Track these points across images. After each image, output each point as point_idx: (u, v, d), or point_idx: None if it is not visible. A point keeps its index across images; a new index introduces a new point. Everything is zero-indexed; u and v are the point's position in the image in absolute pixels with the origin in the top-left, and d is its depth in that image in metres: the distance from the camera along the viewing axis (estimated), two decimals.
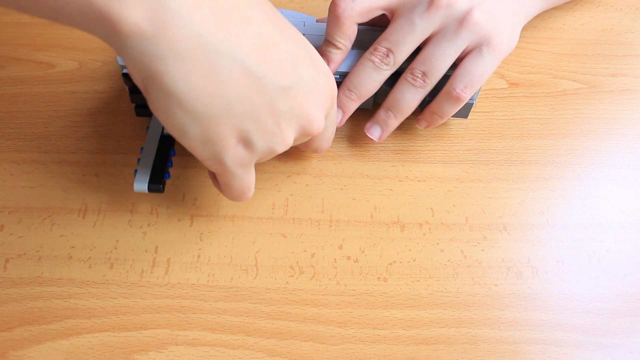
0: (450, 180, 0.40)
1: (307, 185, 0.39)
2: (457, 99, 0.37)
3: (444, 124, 0.43)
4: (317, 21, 0.41)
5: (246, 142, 0.28)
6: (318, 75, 0.30)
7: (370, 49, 0.37)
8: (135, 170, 0.36)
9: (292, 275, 0.36)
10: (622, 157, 0.42)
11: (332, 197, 0.39)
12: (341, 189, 0.39)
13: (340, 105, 0.38)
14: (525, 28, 0.49)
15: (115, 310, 0.34)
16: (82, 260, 0.36)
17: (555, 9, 0.50)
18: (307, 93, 0.29)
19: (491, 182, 0.40)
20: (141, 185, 0.35)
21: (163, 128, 0.37)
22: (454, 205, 0.39)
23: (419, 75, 0.36)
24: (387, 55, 0.36)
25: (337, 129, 0.42)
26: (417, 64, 0.36)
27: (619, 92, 0.45)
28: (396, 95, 0.38)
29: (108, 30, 0.23)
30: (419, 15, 0.35)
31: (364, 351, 0.33)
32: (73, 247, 0.36)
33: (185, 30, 0.24)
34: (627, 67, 0.47)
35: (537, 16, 0.49)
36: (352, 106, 0.38)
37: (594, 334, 0.34)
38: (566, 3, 0.51)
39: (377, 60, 0.36)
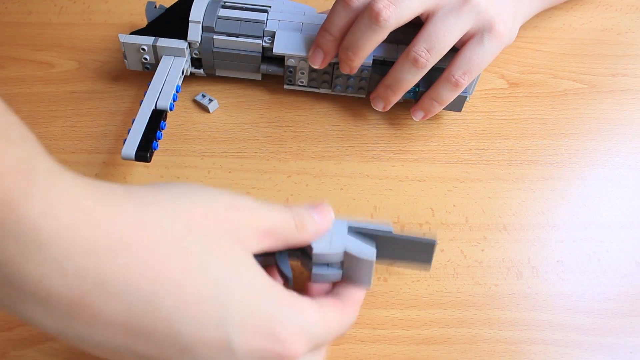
0: (450, 180, 0.40)
1: (307, 185, 0.39)
2: (456, 84, 0.37)
3: (444, 123, 0.43)
4: (317, 12, 0.42)
5: None
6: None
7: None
8: (125, 140, 0.36)
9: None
10: (622, 157, 0.42)
11: (332, 197, 0.39)
12: (341, 189, 0.39)
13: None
14: (525, 28, 0.49)
15: None
16: None
17: (555, 8, 0.50)
18: None
19: (491, 182, 0.40)
20: (128, 152, 0.35)
21: (156, 102, 0.38)
22: (454, 205, 0.39)
23: (423, 53, 0.36)
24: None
25: (338, 128, 0.42)
26: (420, 40, 0.36)
27: (619, 92, 0.45)
28: (396, 74, 0.38)
29: None
30: None
31: (364, 351, 0.33)
32: None
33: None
34: (627, 67, 0.47)
35: (537, 16, 0.49)
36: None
37: (594, 334, 0.34)
38: (566, 3, 0.51)
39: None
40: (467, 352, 0.33)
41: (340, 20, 0.37)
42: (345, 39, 0.37)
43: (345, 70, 0.39)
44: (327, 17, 0.38)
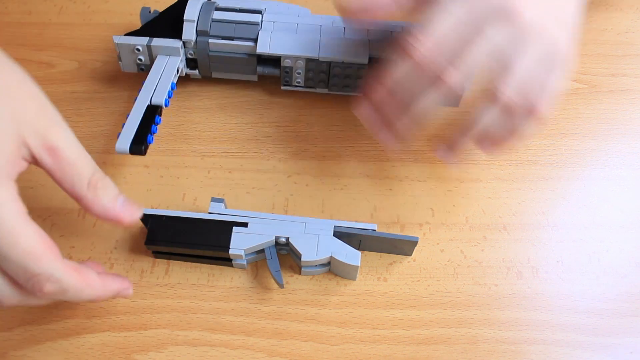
0: (450, 180, 0.40)
1: (307, 185, 0.39)
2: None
3: (444, 123, 0.43)
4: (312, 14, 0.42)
5: None
6: None
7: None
8: (119, 134, 0.36)
9: (292, 275, 0.36)
10: (622, 157, 0.42)
11: (332, 197, 0.39)
12: (341, 189, 0.39)
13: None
14: None
15: (115, 310, 0.34)
16: (82, 260, 0.36)
17: None
18: None
19: (491, 182, 0.40)
20: (123, 146, 0.35)
21: (151, 97, 0.38)
22: (454, 205, 0.39)
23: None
24: None
25: (338, 128, 0.42)
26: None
27: (619, 92, 0.45)
28: (479, 120, 0.32)
29: None
30: None
31: (364, 351, 0.33)
32: (73, 247, 0.36)
33: None
34: (627, 67, 0.47)
35: None
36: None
37: (594, 334, 0.34)
38: None
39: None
40: (467, 352, 0.33)
41: (400, 74, 0.31)
42: (410, 109, 0.32)
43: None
44: (385, 72, 0.32)
